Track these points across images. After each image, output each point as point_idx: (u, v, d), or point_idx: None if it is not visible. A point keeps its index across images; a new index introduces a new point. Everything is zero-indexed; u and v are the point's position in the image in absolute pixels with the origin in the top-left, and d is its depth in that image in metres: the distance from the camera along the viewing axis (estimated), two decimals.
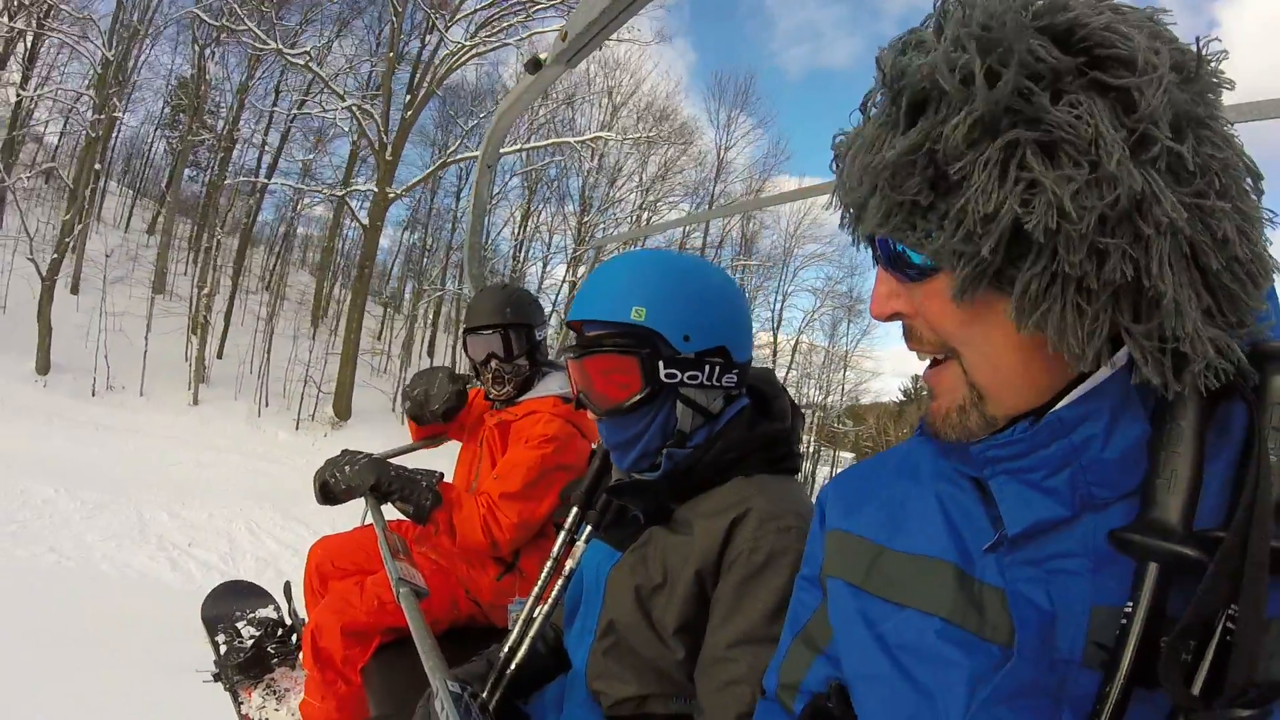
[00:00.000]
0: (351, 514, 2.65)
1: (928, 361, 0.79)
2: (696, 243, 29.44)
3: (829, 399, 32.80)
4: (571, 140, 24.69)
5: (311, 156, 27.47)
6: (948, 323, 0.72)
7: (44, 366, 17.28)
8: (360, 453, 2.50)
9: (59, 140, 25.51)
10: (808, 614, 1.00)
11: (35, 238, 19.66)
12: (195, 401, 18.68)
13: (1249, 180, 0.64)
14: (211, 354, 21.08)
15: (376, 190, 21.35)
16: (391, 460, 2.53)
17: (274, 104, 26.09)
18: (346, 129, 24.64)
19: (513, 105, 2.56)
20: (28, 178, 20.10)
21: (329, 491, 2.43)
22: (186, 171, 28.41)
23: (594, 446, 1.73)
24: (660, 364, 1.40)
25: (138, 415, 16.48)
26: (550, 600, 1.61)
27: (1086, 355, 0.64)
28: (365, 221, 22.23)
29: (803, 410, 1.63)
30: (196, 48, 23.13)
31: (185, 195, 28.14)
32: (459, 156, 23.51)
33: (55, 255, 18.27)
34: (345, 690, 2.38)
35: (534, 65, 2.18)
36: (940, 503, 0.85)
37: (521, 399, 2.68)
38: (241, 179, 26.26)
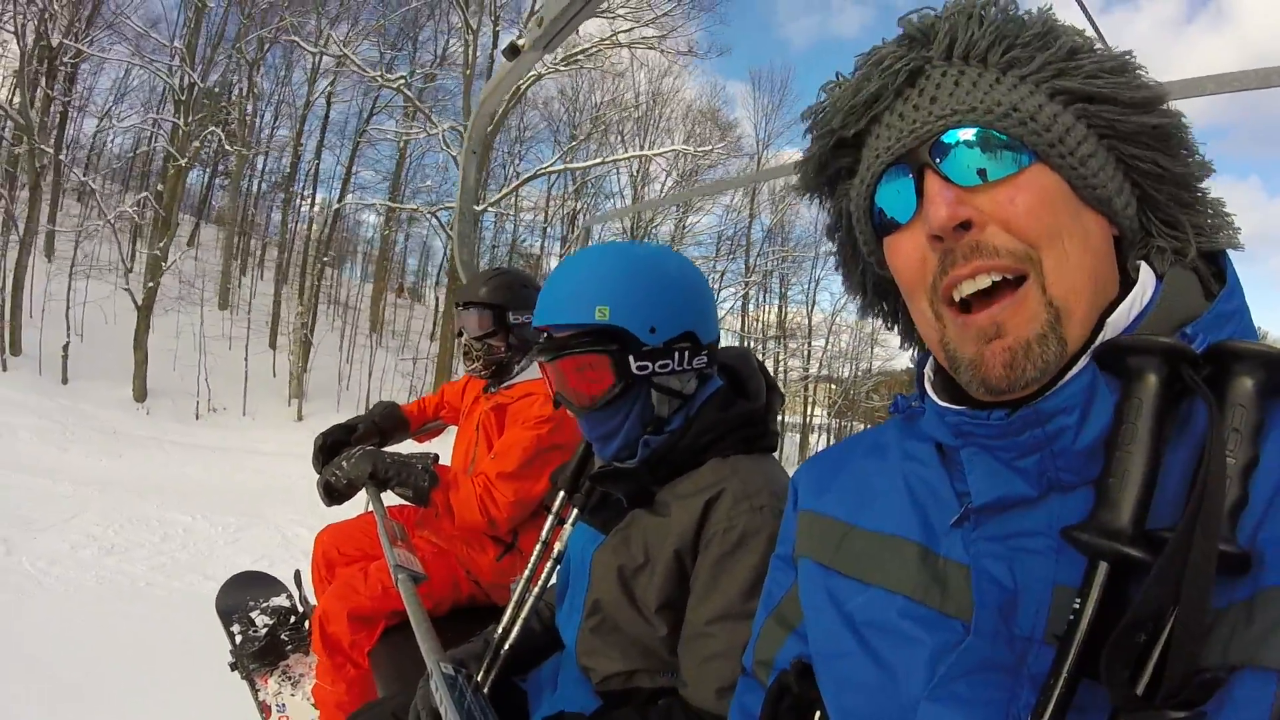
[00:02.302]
0: (355, 501, 2.70)
1: (968, 308, 0.74)
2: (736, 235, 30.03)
3: (857, 375, 32.89)
4: (650, 154, 25.18)
5: (406, 174, 28.16)
6: (1045, 213, 0.70)
7: (141, 393, 17.06)
8: (355, 447, 2.54)
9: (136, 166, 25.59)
10: (781, 593, 1.02)
11: (106, 265, 19.65)
12: (300, 417, 18.65)
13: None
14: (308, 368, 21.03)
15: (448, 204, 21.94)
16: (386, 449, 2.57)
17: (362, 125, 26.84)
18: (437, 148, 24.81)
19: (494, 90, 2.59)
20: (131, 209, 19.80)
21: (332, 490, 2.46)
22: (220, 183, 28.73)
23: None
24: (630, 358, 1.44)
25: (246, 434, 16.35)
26: (541, 580, 1.67)
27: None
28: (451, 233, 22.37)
29: (781, 390, 1.66)
30: (245, 64, 22.90)
31: (225, 208, 27.96)
32: (546, 169, 24.04)
33: (150, 284, 18.10)
34: (354, 673, 2.44)
35: (512, 51, 2.21)
36: (906, 482, 0.86)
37: (515, 380, 2.73)
38: (328, 204, 27.16)
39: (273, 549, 7.31)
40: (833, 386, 32.35)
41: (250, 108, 23.66)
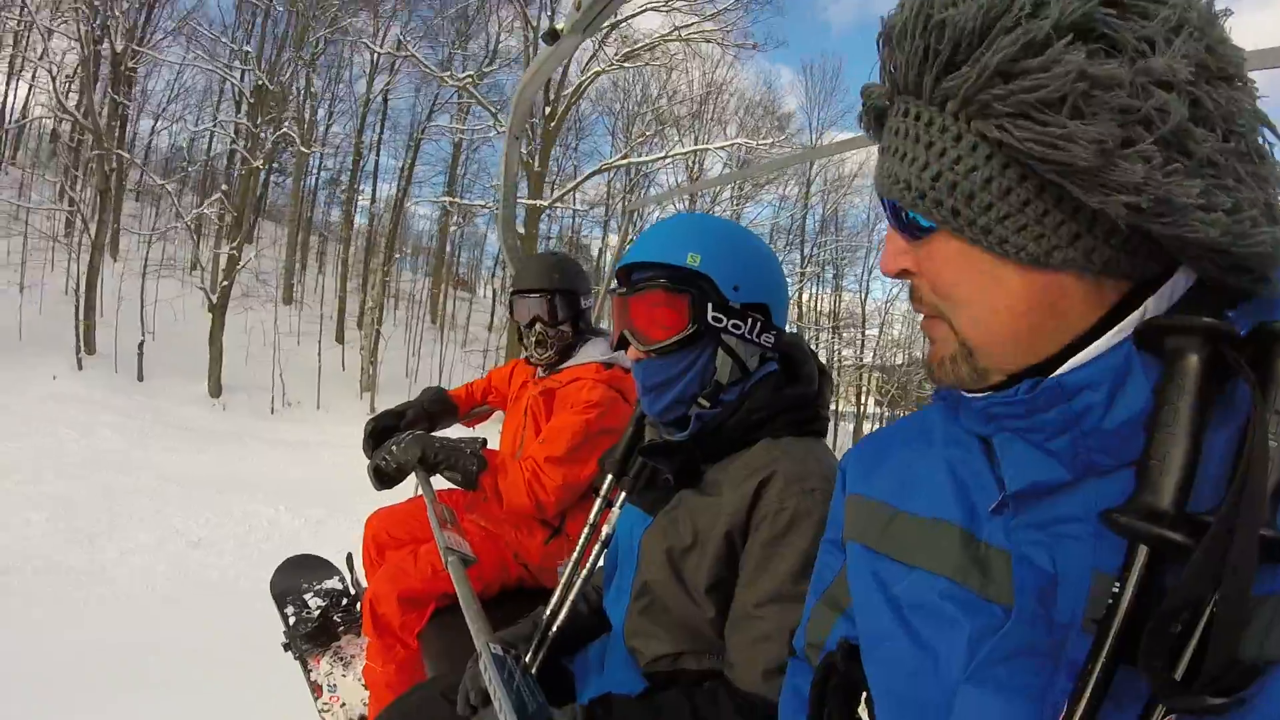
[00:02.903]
0: (405, 486, 2.74)
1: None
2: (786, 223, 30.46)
3: (909, 363, 32.84)
4: (712, 147, 25.41)
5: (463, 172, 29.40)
6: (947, 281, 0.73)
7: (216, 390, 17.68)
8: (404, 432, 2.57)
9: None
10: (831, 576, 1.03)
11: (175, 265, 20.33)
12: (373, 409, 18.82)
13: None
14: (371, 361, 21.66)
15: (530, 201, 21.99)
16: (435, 434, 2.59)
17: (422, 123, 27.74)
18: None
19: (534, 77, 2.58)
20: (208, 210, 20.51)
21: (382, 474, 2.49)
22: (275, 180, 29.58)
23: (634, 413, 1.75)
24: (709, 306, 1.44)
25: (321, 428, 16.74)
26: (589, 564, 1.67)
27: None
28: (522, 230, 23.09)
29: (831, 375, 1.65)
30: (303, 63, 23.45)
31: (287, 205, 28.88)
32: (609, 165, 24.40)
33: (225, 282, 18.64)
34: (404, 654, 2.47)
35: (552, 36, 2.20)
36: (950, 466, 0.86)
37: (564, 366, 2.74)
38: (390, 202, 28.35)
39: (354, 540, 7.54)
40: (883, 376, 32.23)
41: (308, 106, 24.18)
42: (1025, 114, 0.61)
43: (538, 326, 2.72)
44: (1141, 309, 0.67)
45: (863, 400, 33.15)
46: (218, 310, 18.02)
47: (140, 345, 17.11)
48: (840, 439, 25.90)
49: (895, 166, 0.73)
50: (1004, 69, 0.61)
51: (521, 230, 23.00)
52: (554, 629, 1.64)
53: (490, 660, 1.45)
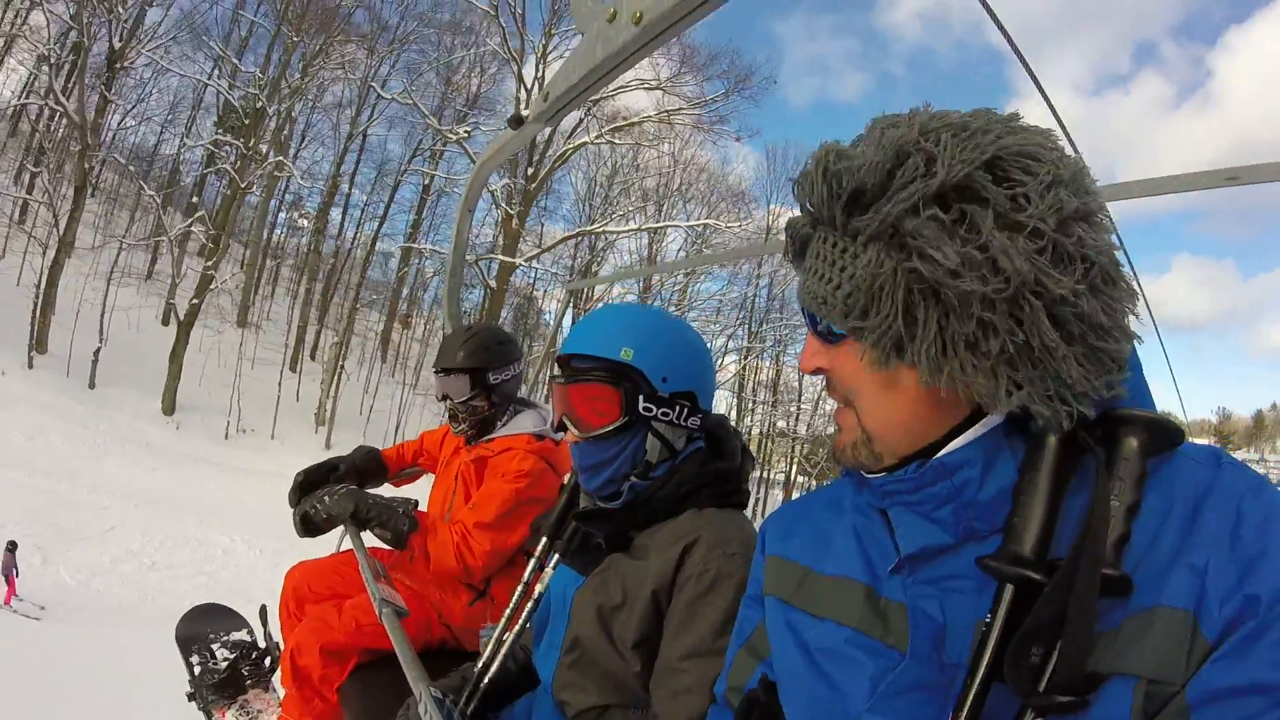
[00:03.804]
0: (326, 541, 2.77)
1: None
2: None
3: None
4: (683, 224, 26.85)
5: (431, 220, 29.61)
6: (850, 378, 0.89)
7: (170, 407, 17.31)
8: (337, 485, 2.64)
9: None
10: (751, 627, 1.15)
11: (136, 274, 19.96)
12: (329, 445, 18.74)
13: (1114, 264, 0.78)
14: (328, 395, 21.34)
15: (504, 257, 22.74)
16: (367, 490, 2.66)
17: (409, 160, 28.15)
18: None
19: (493, 157, 2.70)
20: (196, 228, 20.28)
21: (310, 523, 2.55)
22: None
23: (564, 481, 1.87)
24: (640, 398, 1.59)
25: (276, 458, 16.27)
26: (520, 622, 1.76)
27: (996, 400, 0.78)
28: (494, 284, 23.66)
29: (752, 453, 1.81)
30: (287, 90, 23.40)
31: (249, 228, 28.62)
32: (586, 230, 25.61)
33: (195, 300, 18.42)
34: (322, 708, 2.49)
35: (516, 122, 2.32)
36: (856, 532, 1.01)
37: (495, 435, 2.84)
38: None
39: None
40: (812, 446, 32.86)
41: (287, 129, 24.16)
42: (922, 252, 0.75)
43: (448, 403, 2.84)
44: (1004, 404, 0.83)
45: (791, 469, 34.09)
46: (183, 328, 17.67)
47: (96, 352, 16.68)
48: (770, 504, 26.16)
49: (815, 285, 0.87)
50: (902, 217, 0.76)
51: (493, 284, 23.14)
52: (485, 680, 1.72)
53: (431, 702, 1.54)
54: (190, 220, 20.70)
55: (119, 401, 16.32)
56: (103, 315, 17.82)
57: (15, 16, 20.63)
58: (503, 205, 23.79)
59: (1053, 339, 0.75)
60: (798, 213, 0.92)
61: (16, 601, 5.63)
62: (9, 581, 5.54)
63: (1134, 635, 0.73)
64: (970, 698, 0.75)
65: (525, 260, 24.07)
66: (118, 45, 19.22)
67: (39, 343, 16.66)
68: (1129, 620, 0.73)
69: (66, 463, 10.79)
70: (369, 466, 3.10)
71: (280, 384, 19.83)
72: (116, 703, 3.82)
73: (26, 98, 23.68)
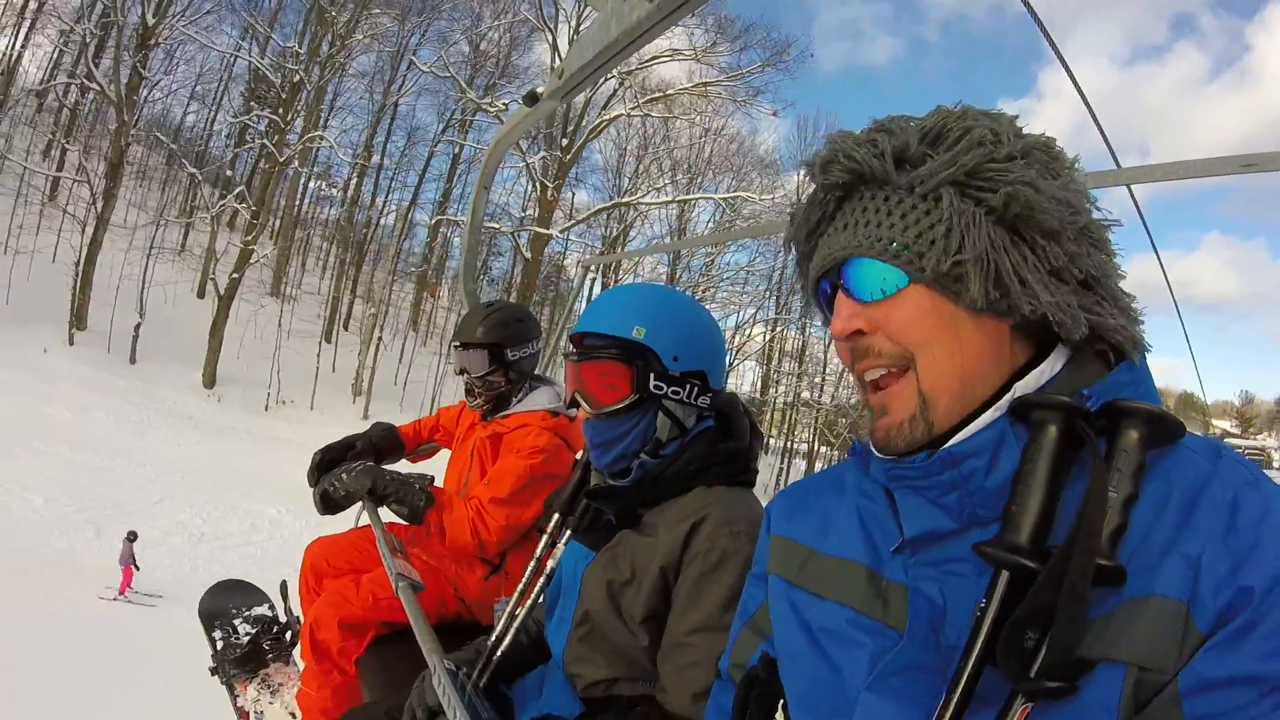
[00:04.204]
0: (345, 517, 2.82)
1: (872, 389, 0.93)
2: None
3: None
4: (716, 197, 26.51)
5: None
6: (916, 326, 0.88)
7: (211, 380, 17.61)
8: (354, 462, 2.68)
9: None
10: (755, 605, 1.17)
11: (173, 250, 20.11)
12: (366, 414, 18.78)
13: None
14: (365, 366, 21.54)
15: (539, 229, 22.94)
16: (384, 466, 2.70)
17: (441, 131, 28.19)
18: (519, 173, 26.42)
19: (509, 133, 2.71)
20: (237, 204, 20.53)
21: (329, 500, 2.59)
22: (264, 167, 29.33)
23: (577, 458, 1.91)
24: (651, 375, 1.61)
25: (316, 430, 16.14)
26: (532, 597, 1.78)
27: (1076, 325, 0.85)
28: (528, 255, 23.98)
29: (763, 432, 1.83)
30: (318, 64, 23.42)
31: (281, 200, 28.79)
32: (626, 201, 25.53)
33: (235, 275, 18.59)
34: (340, 680, 2.54)
35: (531, 99, 2.33)
36: (859, 514, 1.02)
37: (511, 411, 2.87)
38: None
39: None
40: (834, 416, 32.66)
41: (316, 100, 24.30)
42: (1015, 193, 0.83)
43: (465, 376, 2.89)
44: (1012, 390, 0.86)
45: (814, 440, 34.13)
46: (223, 302, 17.87)
47: (137, 328, 16.89)
48: (794, 473, 26.06)
49: (871, 232, 0.89)
50: (983, 163, 0.84)
51: (528, 255, 23.25)
52: (499, 653, 1.74)
53: (444, 674, 1.57)
54: (230, 195, 20.93)
55: (160, 376, 16.59)
56: (142, 291, 18.09)
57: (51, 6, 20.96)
58: (540, 180, 23.96)
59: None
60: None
61: (131, 592, 5.76)
62: (125, 572, 5.65)
63: (1126, 623, 0.73)
64: (963, 680, 0.77)
65: (561, 231, 24.12)
66: (151, 21, 19.30)
67: (79, 319, 16.91)
68: (1122, 608, 0.74)
69: (112, 437, 11.00)
70: (386, 443, 3.13)
71: (319, 355, 19.94)
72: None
73: (53, 73, 24.06)
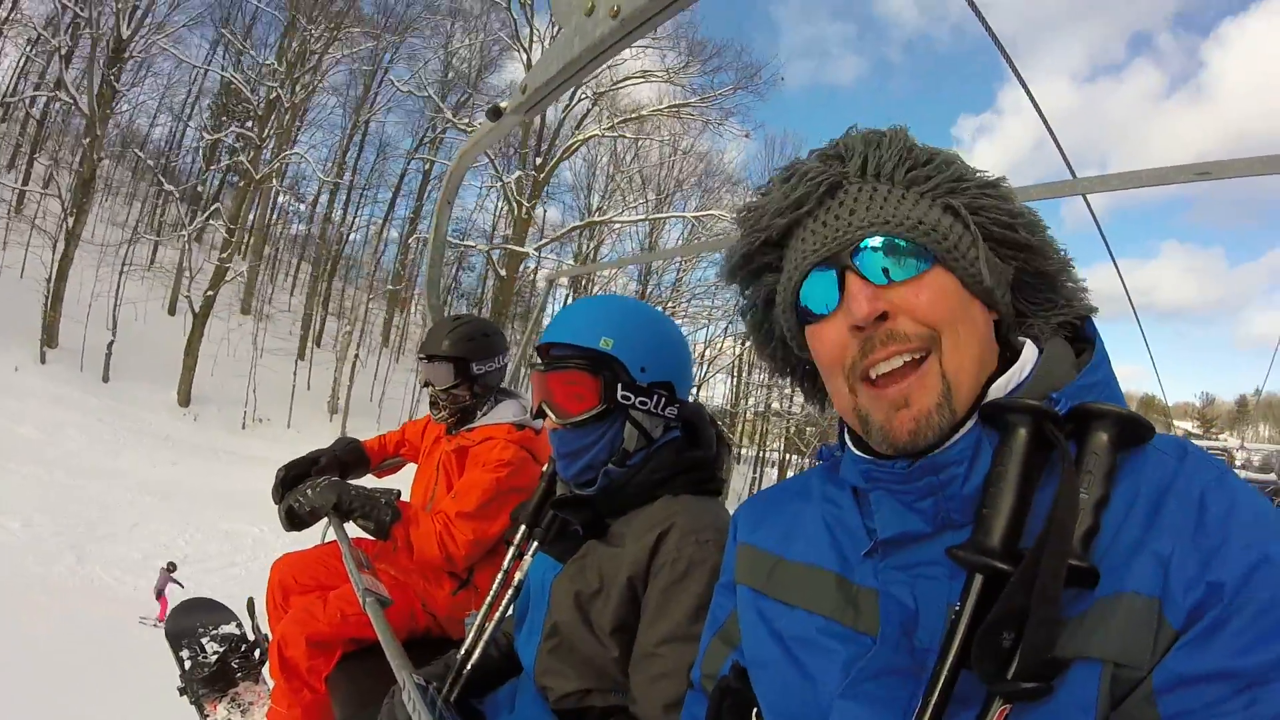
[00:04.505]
0: (311, 534, 2.80)
1: (882, 384, 0.90)
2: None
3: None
4: (686, 215, 26.74)
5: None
6: (943, 305, 0.88)
7: (186, 399, 17.27)
8: (320, 477, 2.66)
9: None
10: (724, 615, 1.17)
11: (141, 266, 19.81)
12: (343, 432, 18.42)
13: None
14: (342, 383, 21.38)
15: (515, 247, 22.99)
16: (350, 481, 2.69)
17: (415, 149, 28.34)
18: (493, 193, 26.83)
19: (472, 148, 2.71)
20: (207, 217, 20.28)
21: (295, 516, 2.57)
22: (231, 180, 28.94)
23: (543, 470, 1.90)
24: (619, 386, 1.62)
25: (294, 448, 16.42)
26: (501, 610, 1.80)
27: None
28: (503, 273, 24.11)
29: (730, 443, 1.85)
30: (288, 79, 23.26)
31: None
32: (600, 220, 25.87)
33: (210, 292, 18.32)
34: (310, 698, 2.52)
35: (494, 114, 2.33)
36: (825, 522, 1.03)
37: (476, 424, 2.87)
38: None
39: None
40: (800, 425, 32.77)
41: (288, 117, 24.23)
42: (981, 196, 0.92)
43: (430, 390, 2.90)
44: (987, 395, 0.88)
45: (783, 449, 34.37)
46: (198, 320, 17.63)
47: (110, 345, 16.60)
48: (766, 481, 26.19)
49: (890, 212, 0.90)
50: (961, 173, 0.93)
51: (503, 272, 23.30)
52: (468, 667, 1.75)
53: (414, 689, 1.56)
54: (207, 214, 20.75)
55: (134, 394, 16.31)
56: (115, 308, 17.85)
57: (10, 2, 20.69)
58: (515, 199, 23.99)
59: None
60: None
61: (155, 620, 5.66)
62: (161, 601, 5.55)
63: (1099, 620, 0.74)
64: (940, 683, 0.77)
65: (536, 249, 24.12)
66: (125, 34, 19.05)
67: (50, 337, 16.62)
68: (1095, 606, 0.75)
69: (85, 457, 10.74)
70: (350, 458, 3.12)
71: (295, 373, 19.79)
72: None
73: (18, 82, 23.72)
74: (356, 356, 21.75)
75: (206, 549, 7.20)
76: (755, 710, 1.03)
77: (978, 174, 0.95)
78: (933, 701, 0.77)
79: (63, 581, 5.64)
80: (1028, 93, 2.05)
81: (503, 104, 2.31)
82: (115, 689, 3.50)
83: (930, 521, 0.88)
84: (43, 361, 16.10)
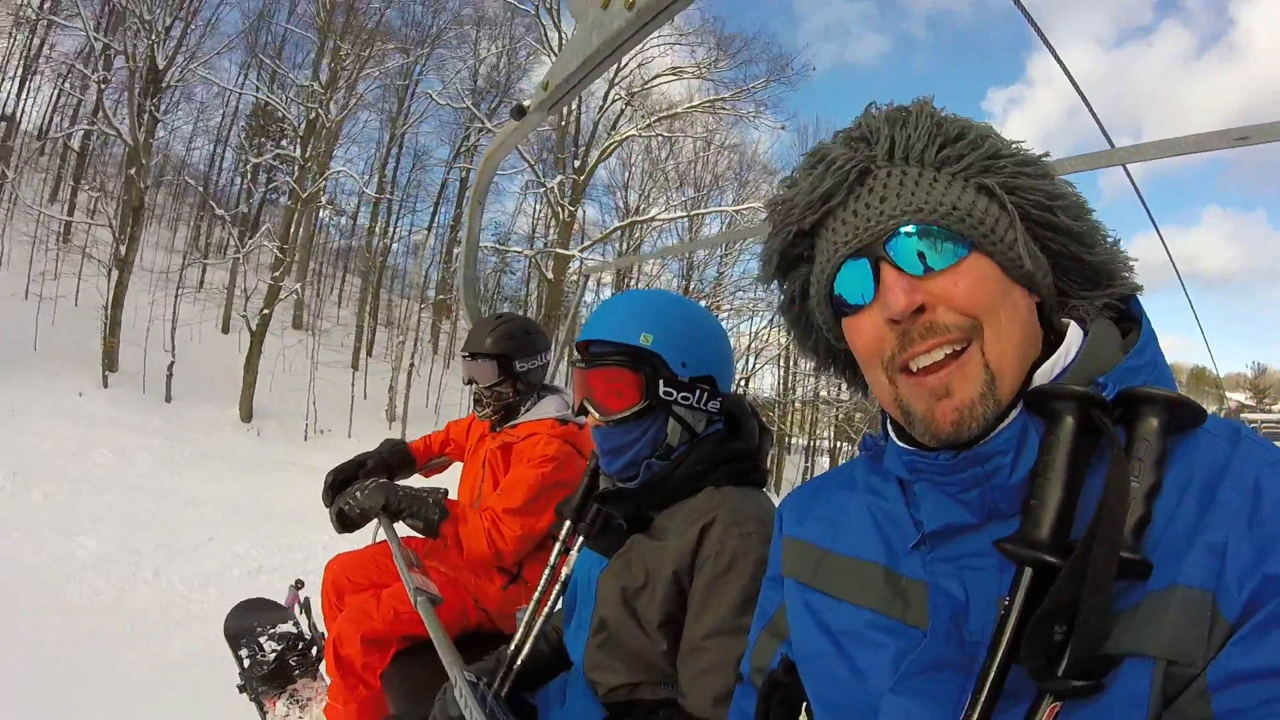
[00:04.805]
0: (362, 533, 2.85)
1: (922, 375, 0.86)
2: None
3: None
4: (726, 209, 26.76)
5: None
6: (983, 293, 0.84)
7: (247, 415, 17.68)
8: (367, 480, 2.71)
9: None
10: (773, 609, 1.16)
11: (194, 288, 20.45)
12: (405, 437, 19.39)
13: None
14: (399, 391, 21.84)
15: (560, 250, 23.37)
16: (397, 482, 2.74)
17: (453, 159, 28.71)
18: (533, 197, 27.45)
19: (498, 148, 2.75)
20: (267, 244, 20.80)
21: (345, 519, 2.62)
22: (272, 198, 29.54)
23: (587, 465, 1.90)
24: (660, 382, 1.61)
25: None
26: (549, 605, 1.81)
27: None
28: (550, 276, 24.45)
29: (772, 432, 1.83)
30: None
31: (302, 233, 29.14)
32: (643, 219, 25.99)
33: (266, 311, 18.80)
34: (366, 694, 2.56)
35: (519, 112, 2.36)
36: (871, 513, 1.02)
37: (520, 420, 2.90)
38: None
39: None
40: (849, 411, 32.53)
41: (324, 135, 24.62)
42: (1018, 174, 0.88)
43: (474, 387, 2.93)
44: (1031, 381, 0.85)
45: (832, 436, 34.15)
46: (256, 338, 18.05)
47: (170, 366, 16.94)
48: (818, 468, 25.92)
49: (925, 199, 0.86)
50: (997, 150, 0.88)
51: (549, 275, 23.55)
52: (519, 662, 1.77)
53: (465, 686, 1.59)
54: (259, 234, 21.22)
55: (196, 413, 16.63)
56: (173, 331, 18.27)
57: (39, 33, 21.38)
58: (559, 204, 24.28)
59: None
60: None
61: None
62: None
63: (1151, 615, 0.72)
64: (990, 677, 0.76)
65: (580, 250, 24.29)
66: (161, 65, 19.48)
67: (110, 361, 17.06)
68: (1147, 600, 0.72)
69: (155, 476, 10.98)
70: (396, 460, 3.17)
71: (353, 384, 20.15)
72: None
73: (51, 115, 24.67)
74: (412, 365, 22.02)
75: (278, 559, 7.32)
76: (804, 704, 1.03)
77: (1014, 149, 0.90)
78: (982, 698, 0.75)
79: (137, 598, 5.76)
80: (1059, 63, 2.01)
81: (526, 102, 2.34)
82: (206, 696, 3.57)
83: (977, 513, 0.86)
84: (105, 386, 16.48)
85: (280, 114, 23.65)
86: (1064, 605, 0.71)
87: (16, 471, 8.48)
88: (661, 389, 1.62)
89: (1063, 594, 0.71)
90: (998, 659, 0.75)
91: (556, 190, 24.27)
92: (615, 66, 23.92)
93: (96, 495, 8.66)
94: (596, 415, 1.67)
